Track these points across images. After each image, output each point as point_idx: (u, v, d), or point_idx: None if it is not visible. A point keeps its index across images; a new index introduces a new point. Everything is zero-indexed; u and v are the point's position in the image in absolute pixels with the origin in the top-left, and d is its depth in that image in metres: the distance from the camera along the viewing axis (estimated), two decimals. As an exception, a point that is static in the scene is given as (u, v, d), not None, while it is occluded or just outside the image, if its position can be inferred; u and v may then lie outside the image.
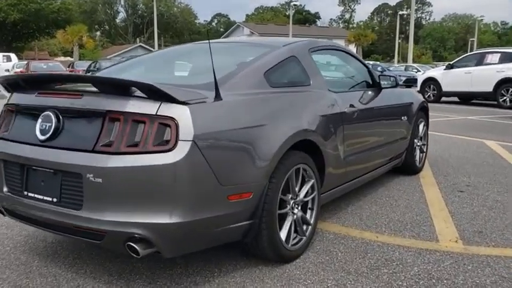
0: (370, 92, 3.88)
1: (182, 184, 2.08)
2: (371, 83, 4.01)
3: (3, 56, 26.62)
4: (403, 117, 4.32)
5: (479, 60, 13.18)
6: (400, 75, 20.31)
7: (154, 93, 2.10)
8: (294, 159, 2.67)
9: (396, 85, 4.08)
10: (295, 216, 2.78)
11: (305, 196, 2.85)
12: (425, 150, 5.04)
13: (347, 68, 4.31)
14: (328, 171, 3.06)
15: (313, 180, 2.89)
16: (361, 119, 3.51)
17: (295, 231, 2.79)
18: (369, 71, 4.03)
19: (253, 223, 2.47)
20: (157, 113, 2.09)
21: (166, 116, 2.09)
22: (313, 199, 2.93)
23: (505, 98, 12.58)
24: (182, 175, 2.07)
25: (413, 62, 36.56)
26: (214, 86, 2.30)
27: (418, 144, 4.81)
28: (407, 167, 4.71)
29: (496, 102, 12.76)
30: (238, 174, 2.33)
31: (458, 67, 13.60)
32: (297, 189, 2.77)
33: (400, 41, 57.88)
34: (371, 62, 30.19)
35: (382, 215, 3.58)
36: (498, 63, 12.68)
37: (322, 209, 3.33)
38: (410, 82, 19.46)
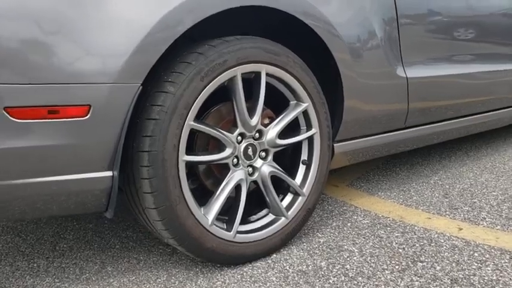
0: None
1: None
2: None
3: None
4: None
5: None
6: None
7: None
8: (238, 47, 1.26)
9: None
10: (254, 175, 1.40)
11: (283, 135, 1.41)
12: None
13: None
14: (349, 87, 1.54)
15: (305, 104, 1.43)
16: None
17: (260, 204, 1.46)
18: None
19: (114, 178, 1.16)
20: None
21: None
22: (310, 143, 1.46)
23: None
24: None
25: None
26: None
27: None
28: None
29: None
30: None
31: None
32: (255, 118, 1.34)
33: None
34: None
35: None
36: None
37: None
38: None
